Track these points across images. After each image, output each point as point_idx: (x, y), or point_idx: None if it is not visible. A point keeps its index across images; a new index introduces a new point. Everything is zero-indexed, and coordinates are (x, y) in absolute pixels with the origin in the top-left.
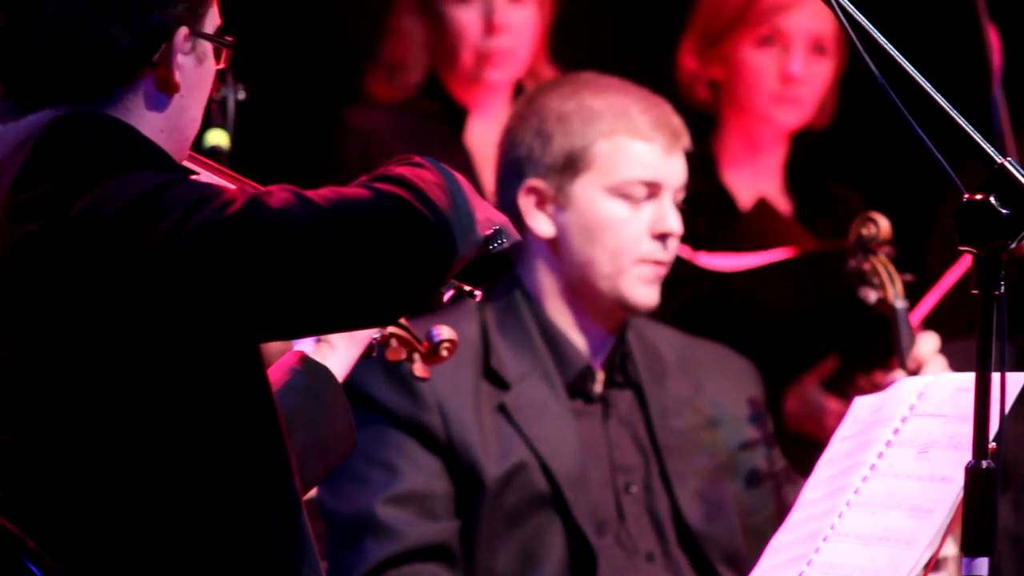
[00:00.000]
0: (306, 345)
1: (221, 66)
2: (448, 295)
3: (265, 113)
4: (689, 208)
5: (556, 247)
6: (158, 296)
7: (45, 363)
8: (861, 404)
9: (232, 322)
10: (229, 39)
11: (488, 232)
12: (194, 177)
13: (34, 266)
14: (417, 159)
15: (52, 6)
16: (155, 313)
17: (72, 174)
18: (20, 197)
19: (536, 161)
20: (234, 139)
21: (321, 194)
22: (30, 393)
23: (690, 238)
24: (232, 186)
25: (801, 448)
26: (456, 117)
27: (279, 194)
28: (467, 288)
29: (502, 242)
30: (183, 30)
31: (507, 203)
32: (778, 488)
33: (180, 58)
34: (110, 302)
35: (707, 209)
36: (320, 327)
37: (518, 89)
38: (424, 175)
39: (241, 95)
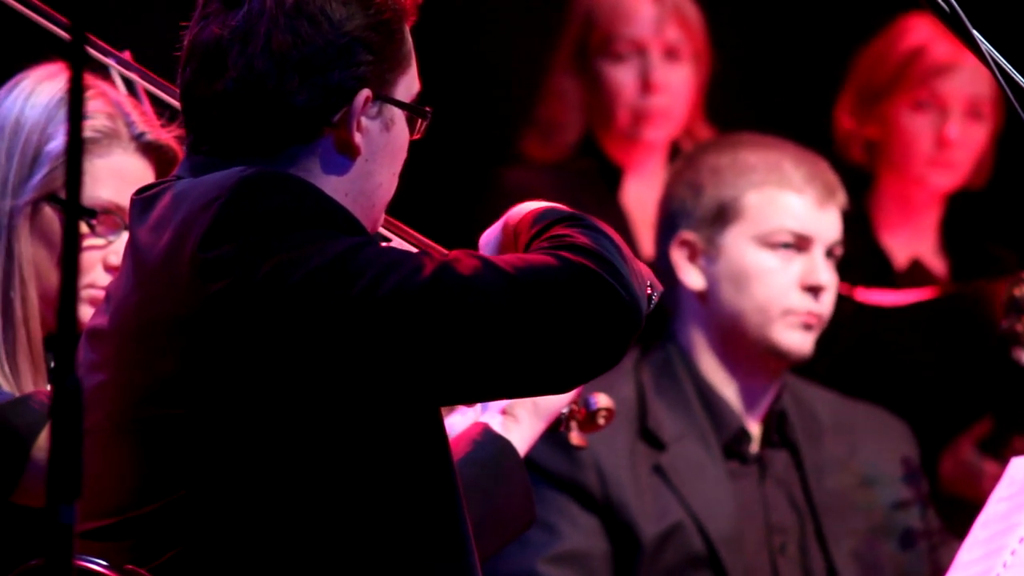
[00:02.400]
0: (491, 418)
1: (416, 137)
2: None
3: (420, 173)
4: (844, 266)
5: (707, 300)
6: (349, 357)
7: (224, 421)
8: (1018, 465)
9: (420, 384)
10: (424, 108)
11: (648, 292)
12: (383, 243)
13: (220, 325)
14: (586, 220)
15: (232, 58)
16: (345, 373)
17: (260, 234)
18: (207, 256)
19: (688, 213)
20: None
21: (507, 261)
22: (205, 452)
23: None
24: (415, 250)
25: (958, 510)
26: (612, 176)
27: (467, 261)
28: None
29: (654, 297)
30: (365, 92)
31: (662, 258)
32: (933, 549)
33: (364, 121)
34: (299, 361)
35: (863, 269)
36: (504, 393)
37: (674, 149)
38: (606, 244)
39: None
